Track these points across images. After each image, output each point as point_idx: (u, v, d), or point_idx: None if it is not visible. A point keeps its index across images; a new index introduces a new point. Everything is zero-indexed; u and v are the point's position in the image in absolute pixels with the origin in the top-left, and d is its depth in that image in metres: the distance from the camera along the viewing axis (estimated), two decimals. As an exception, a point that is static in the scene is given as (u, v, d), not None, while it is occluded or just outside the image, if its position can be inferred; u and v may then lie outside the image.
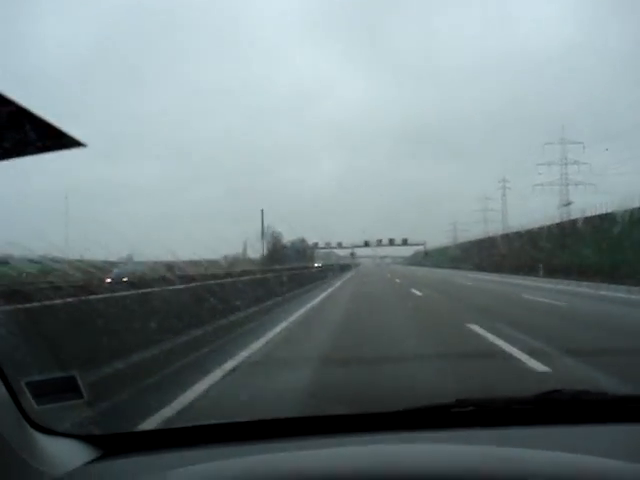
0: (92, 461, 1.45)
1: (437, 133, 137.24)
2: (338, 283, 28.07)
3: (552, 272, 32.00)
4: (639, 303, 14.79)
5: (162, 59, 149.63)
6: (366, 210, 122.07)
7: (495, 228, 63.70)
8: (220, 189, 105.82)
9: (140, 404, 4.24)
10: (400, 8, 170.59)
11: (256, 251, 51.68)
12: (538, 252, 39.00)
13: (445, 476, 1.30)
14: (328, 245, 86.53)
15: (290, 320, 10.48)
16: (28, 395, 1.48)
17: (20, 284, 11.03)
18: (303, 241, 75.54)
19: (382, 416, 1.67)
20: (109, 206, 53.71)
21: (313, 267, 40.27)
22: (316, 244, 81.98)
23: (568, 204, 50.20)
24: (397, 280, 29.77)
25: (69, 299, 4.99)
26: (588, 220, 34.80)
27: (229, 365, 5.75)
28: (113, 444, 1.55)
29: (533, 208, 70.87)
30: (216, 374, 5.23)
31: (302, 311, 12.44)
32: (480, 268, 48.43)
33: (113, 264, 17.48)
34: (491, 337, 7.54)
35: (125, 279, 10.89)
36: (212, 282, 10.49)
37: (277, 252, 66.37)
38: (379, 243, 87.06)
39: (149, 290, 6.88)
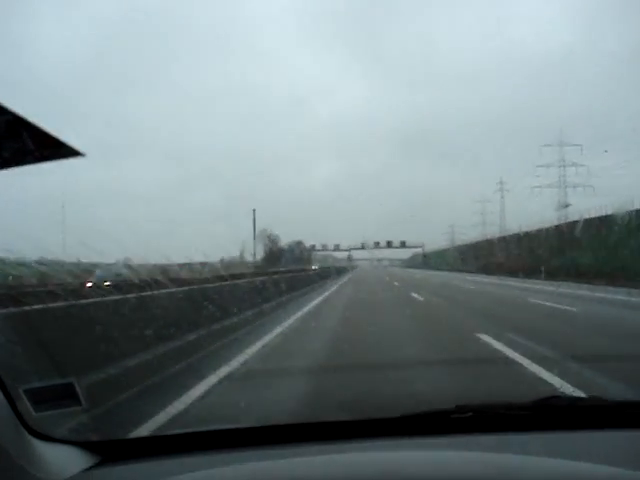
0: (90, 468, 1.45)
1: (435, 136, 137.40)
2: (335, 287, 27.69)
3: (553, 274, 31.93)
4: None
5: (158, 64, 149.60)
6: (364, 213, 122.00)
7: (493, 231, 63.88)
8: (217, 193, 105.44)
9: (134, 409, 4.19)
10: (399, 13, 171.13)
11: (253, 254, 51.48)
12: (538, 255, 38.95)
13: None
14: (325, 248, 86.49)
15: (285, 325, 10.11)
16: (26, 402, 1.48)
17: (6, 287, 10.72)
18: (300, 244, 75.52)
19: (381, 422, 1.66)
20: (105, 211, 53.33)
21: (310, 270, 39.98)
22: (313, 247, 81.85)
23: (566, 206, 50.37)
24: (396, 283, 29.32)
25: (63, 303, 4.95)
26: (588, 222, 34.76)
27: (224, 371, 5.64)
28: (111, 450, 1.54)
29: (531, 210, 70.82)
30: (211, 380, 5.14)
31: (298, 316, 12.07)
32: (480, 271, 48.26)
33: (96, 266, 16.21)
34: (509, 352, 6.53)
35: (108, 283, 10.46)
36: (205, 286, 10.13)
37: (274, 255, 66.52)
38: (377, 245, 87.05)
39: (134, 295, 6.55)
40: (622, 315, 12.51)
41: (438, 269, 69.03)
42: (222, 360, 6.16)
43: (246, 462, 1.47)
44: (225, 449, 1.54)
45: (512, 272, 38.68)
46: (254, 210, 42.33)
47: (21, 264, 12.82)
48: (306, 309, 13.84)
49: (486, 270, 46.86)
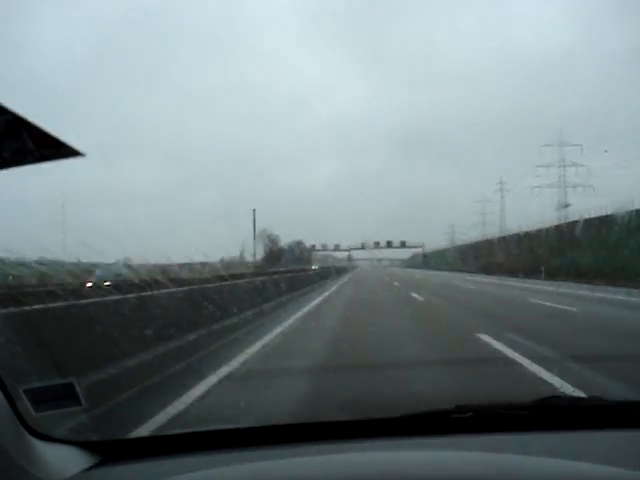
0: (90, 468, 1.45)
1: (435, 136, 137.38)
2: (335, 287, 27.63)
3: (552, 274, 31.90)
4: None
5: (158, 64, 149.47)
6: (364, 213, 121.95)
7: (493, 231, 63.83)
8: (217, 193, 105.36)
9: (134, 409, 4.18)
10: (398, 13, 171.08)
11: (253, 254, 51.45)
12: (538, 255, 38.90)
13: None
14: (325, 248, 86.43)
15: (285, 325, 10.10)
16: (26, 402, 1.49)
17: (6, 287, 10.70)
18: (300, 244, 75.45)
19: (381, 422, 1.66)
20: (105, 211, 53.30)
21: (310, 270, 39.92)
22: (313, 246, 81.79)
23: (566, 206, 50.34)
24: (396, 283, 29.31)
25: (63, 303, 4.94)
26: (588, 222, 34.69)
27: (224, 371, 5.62)
28: (112, 450, 1.54)
29: (531, 210, 70.80)
30: (211, 380, 5.12)
31: (298, 316, 12.05)
32: (480, 271, 48.20)
33: (96, 266, 16.03)
34: (509, 352, 6.50)
35: (108, 283, 10.38)
36: (204, 286, 10.08)
37: (274, 255, 66.46)
38: (377, 245, 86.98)
39: (134, 295, 6.53)
40: (622, 315, 12.51)
41: (438, 269, 68.99)
42: (222, 360, 6.14)
43: (246, 462, 1.47)
44: (225, 449, 1.53)
45: (512, 272, 38.62)
46: (254, 210, 42.42)
47: (21, 264, 12.78)
48: (306, 309, 13.83)
49: (486, 270, 46.77)
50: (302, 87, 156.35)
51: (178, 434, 1.73)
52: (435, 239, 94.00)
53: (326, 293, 21.56)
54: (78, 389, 1.81)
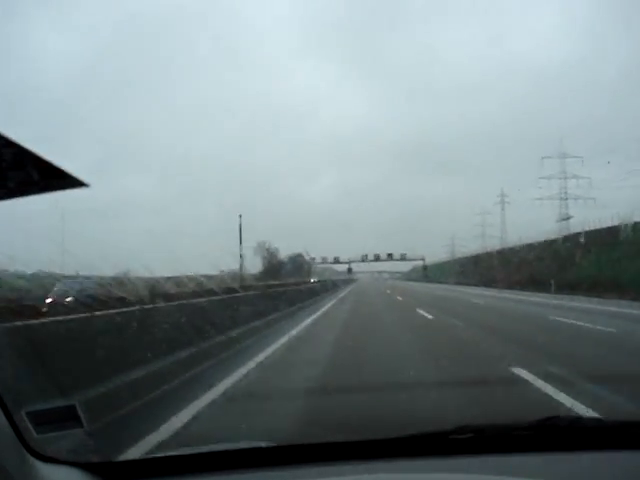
0: None
1: (436, 148, 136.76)
2: (334, 301, 25.98)
3: (561, 288, 30.78)
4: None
5: (157, 77, 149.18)
6: (364, 225, 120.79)
7: (493, 243, 63.09)
8: (216, 206, 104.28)
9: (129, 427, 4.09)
10: (399, 25, 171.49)
11: (253, 266, 50.41)
12: (545, 267, 37.89)
13: None
14: (325, 260, 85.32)
15: (272, 350, 8.30)
16: (28, 424, 1.53)
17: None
18: (300, 256, 74.23)
19: (380, 443, 1.67)
20: (106, 223, 52.36)
21: (309, 283, 38.70)
22: (313, 259, 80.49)
23: (567, 218, 49.80)
24: (399, 298, 27.35)
25: (61, 317, 4.89)
26: (595, 234, 33.83)
27: (221, 388, 5.45)
28: (113, 472, 1.58)
29: (532, 222, 69.75)
30: (207, 397, 5.00)
31: (294, 333, 10.33)
32: (483, 284, 46.92)
33: (57, 278, 13.73)
34: (573, 403, 4.51)
35: (69, 298, 8.87)
36: (194, 301, 8.97)
37: (273, 267, 65.53)
38: (377, 258, 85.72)
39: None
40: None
41: (439, 282, 67.62)
42: (216, 379, 5.80)
43: None
44: (224, 470, 1.57)
45: (518, 285, 37.49)
46: (240, 216, 41.19)
47: (21, 277, 12.38)
48: (301, 327, 12.02)
49: (489, 283, 45.75)
50: (303, 101, 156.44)
51: (177, 455, 1.74)
52: (435, 251, 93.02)
53: (323, 308, 19.82)
54: (80, 411, 1.89)
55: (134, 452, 3.31)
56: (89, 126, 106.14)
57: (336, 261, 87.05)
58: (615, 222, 32.44)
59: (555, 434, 1.67)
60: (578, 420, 1.90)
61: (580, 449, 1.62)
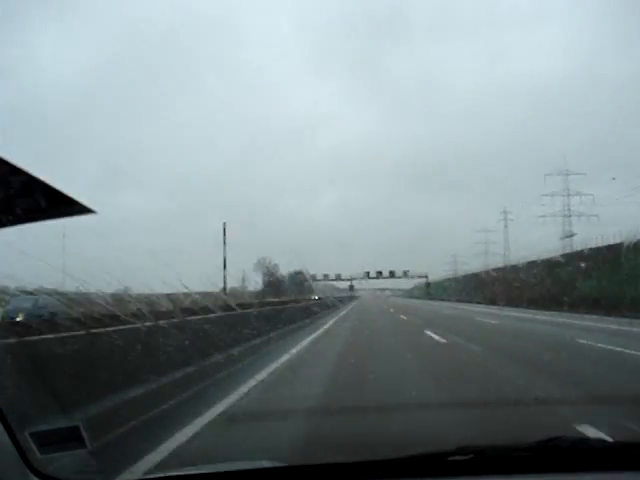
0: None
1: (438, 166, 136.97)
2: (335, 319, 25.81)
3: (573, 306, 30.30)
4: None
5: (157, 94, 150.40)
6: (366, 242, 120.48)
7: (496, 260, 62.89)
8: (217, 223, 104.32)
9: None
10: (400, 47, 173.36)
11: (255, 283, 50.35)
12: (554, 284, 37.52)
13: None
14: (327, 277, 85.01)
15: (272, 369, 8.23)
16: (32, 444, 1.54)
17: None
18: (300, 273, 74.09)
19: (380, 464, 1.67)
20: (107, 239, 52.06)
21: (310, 300, 38.36)
22: (314, 276, 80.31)
23: (571, 235, 49.80)
24: (403, 317, 26.47)
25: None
26: (604, 250, 33.59)
27: (220, 408, 5.39)
28: None
29: (535, 240, 69.64)
30: (208, 416, 5.01)
31: (294, 352, 10.18)
32: (489, 301, 46.55)
33: (13, 295, 12.17)
34: None
35: (19, 318, 8.38)
36: (190, 319, 8.56)
37: (273, 284, 65.42)
38: (379, 275, 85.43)
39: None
40: None
41: (441, 299, 67.12)
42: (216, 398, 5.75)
43: None
44: None
45: (525, 303, 37.05)
46: (224, 223, 40.90)
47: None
48: (299, 348, 11.91)
49: (493, 301, 45.29)
50: (304, 118, 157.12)
51: (177, 476, 1.73)
52: (437, 269, 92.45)
53: (325, 326, 19.64)
54: (83, 432, 1.92)
55: (134, 471, 3.29)
56: (89, 144, 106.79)
57: (338, 278, 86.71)
58: (618, 240, 32.26)
59: (557, 455, 1.64)
60: (580, 441, 1.86)
61: (582, 470, 1.60)
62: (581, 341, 12.63)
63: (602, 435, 3.82)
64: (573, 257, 38.87)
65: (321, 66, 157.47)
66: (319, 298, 44.64)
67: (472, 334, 15.15)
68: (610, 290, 30.09)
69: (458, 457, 1.61)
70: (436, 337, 13.64)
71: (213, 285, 25.76)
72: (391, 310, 35.56)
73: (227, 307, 13.05)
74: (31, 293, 12.04)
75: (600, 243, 34.23)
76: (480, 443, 1.73)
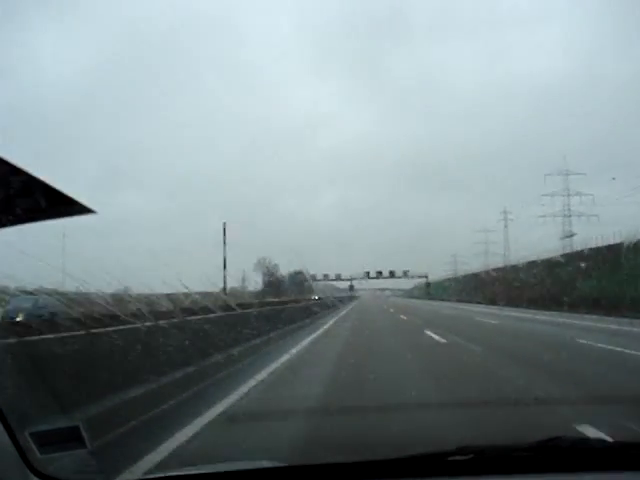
0: None
1: (438, 166, 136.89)
2: (335, 318, 25.83)
3: (573, 305, 30.34)
4: None
5: (157, 94, 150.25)
6: (366, 242, 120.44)
7: (496, 260, 62.99)
8: (217, 222, 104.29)
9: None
10: (400, 47, 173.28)
11: (255, 283, 50.41)
12: (554, 284, 37.53)
13: None
14: (327, 277, 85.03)
15: (272, 368, 8.23)
16: (32, 444, 1.55)
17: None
18: (300, 273, 74.16)
19: (380, 464, 1.67)
20: (107, 239, 52.04)
21: (310, 300, 38.34)
22: (314, 276, 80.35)
23: (571, 235, 49.90)
24: (403, 317, 26.59)
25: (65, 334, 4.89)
26: (604, 250, 33.56)
27: (220, 408, 5.40)
28: None
29: (535, 239, 69.65)
30: (208, 416, 5.02)
31: (294, 352, 10.16)
32: (488, 301, 46.59)
33: (13, 295, 12.12)
34: None
35: (19, 318, 8.39)
36: (191, 319, 8.55)
37: (273, 284, 65.51)
38: (379, 275, 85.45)
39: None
40: None
41: (441, 299, 67.13)
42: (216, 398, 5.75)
43: None
44: None
45: (525, 303, 37.05)
46: (224, 223, 41.17)
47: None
48: (300, 347, 11.90)
49: (493, 300, 45.31)
50: (304, 118, 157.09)
51: (177, 476, 1.72)
52: (437, 269, 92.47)
53: (325, 326, 19.63)
54: (84, 432, 1.92)
55: (134, 471, 3.30)
56: (89, 144, 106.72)
57: (338, 278, 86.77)
58: (618, 240, 32.27)
59: (557, 455, 1.65)
60: (580, 441, 1.86)
61: (582, 470, 1.60)
62: (581, 341, 12.65)
63: (602, 435, 3.85)
64: (573, 257, 38.86)
65: (321, 66, 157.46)
66: (319, 298, 44.63)
67: (472, 334, 15.19)
68: (610, 290, 30.11)
69: (458, 457, 1.62)
70: (436, 337, 13.70)
71: (213, 285, 25.75)
72: (391, 310, 35.61)
73: (227, 307, 13.05)
74: (31, 293, 11.99)
75: (600, 243, 34.30)
76: (480, 443, 1.74)
